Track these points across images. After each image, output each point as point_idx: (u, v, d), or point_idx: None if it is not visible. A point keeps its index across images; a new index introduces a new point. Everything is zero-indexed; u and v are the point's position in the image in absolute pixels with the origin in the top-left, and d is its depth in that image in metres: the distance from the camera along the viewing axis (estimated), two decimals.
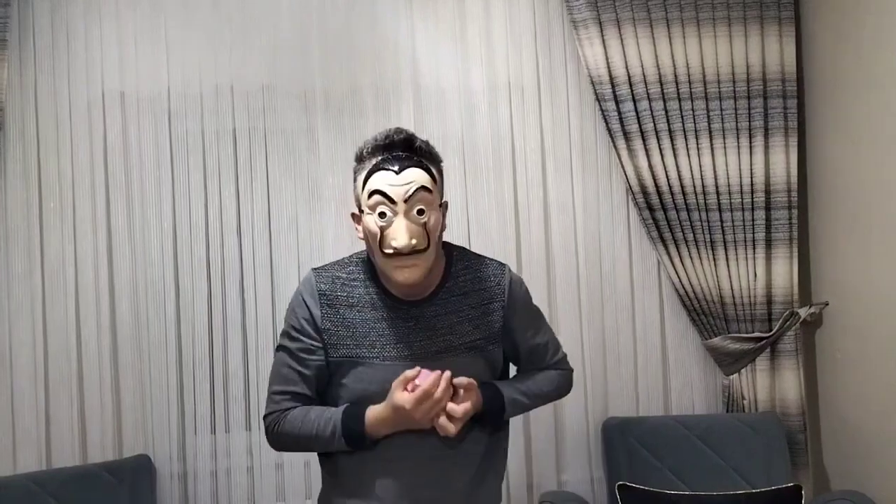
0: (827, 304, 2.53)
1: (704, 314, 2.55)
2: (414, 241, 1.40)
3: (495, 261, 1.65)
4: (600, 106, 2.50)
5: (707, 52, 2.51)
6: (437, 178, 1.48)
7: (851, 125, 2.37)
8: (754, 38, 2.52)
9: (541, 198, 2.55)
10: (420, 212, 1.42)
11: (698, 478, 2.38)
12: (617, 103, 2.48)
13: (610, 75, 2.47)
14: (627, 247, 2.60)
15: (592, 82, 2.49)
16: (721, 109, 2.51)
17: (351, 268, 1.58)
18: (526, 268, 2.52)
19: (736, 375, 2.55)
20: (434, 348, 1.51)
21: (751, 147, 2.52)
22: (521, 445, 2.49)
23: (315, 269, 1.59)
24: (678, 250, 2.52)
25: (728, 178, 2.51)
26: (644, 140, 2.48)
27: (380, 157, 1.44)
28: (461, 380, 1.46)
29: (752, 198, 2.52)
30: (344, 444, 1.47)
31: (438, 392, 1.40)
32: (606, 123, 2.50)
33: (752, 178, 2.52)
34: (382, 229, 1.42)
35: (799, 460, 2.51)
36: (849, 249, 2.41)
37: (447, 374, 1.42)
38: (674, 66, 2.49)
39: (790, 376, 2.53)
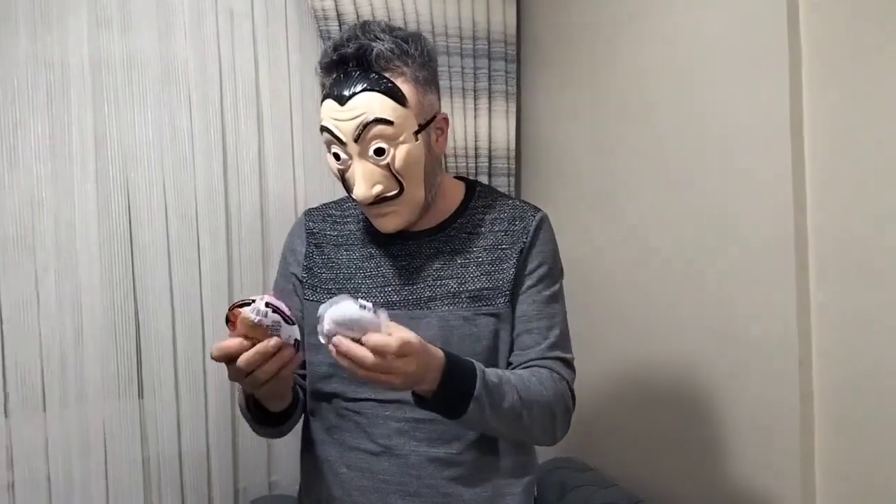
0: None
1: None
2: (376, 190, 1.15)
3: (530, 204, 1.35)
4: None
5: (436, 2, 2.32)
6: (413, 93, 1.15)
7: (561, 92, 2.39)
8: None
9: (256, 146, 2.11)
10: (379, 151, 1.13)
11: None
12: None
13: (337, 11, 2.16)
14: None
15: (315, 16, 2.14)
16: (449, 66, 2.32)
17: (347, 204, 1.38)
18: (235, 230, 2.08)
19: None
20: (427, 293, 1.23)
21: (476, 109, 2.40)
22: (227, 443, 2.05)
23: (309, 209, 1.43)
24: None
25: (455, 141, 2.34)
26: None
27: (332, 77, 1.15)
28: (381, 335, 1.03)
29: (476, 163, 2.40)
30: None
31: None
32: None
33: (476, 141, 2.41)
34: (341, 172, 1.19)
35: None
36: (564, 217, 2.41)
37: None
38: (403, 11, 2.24)
39: None
